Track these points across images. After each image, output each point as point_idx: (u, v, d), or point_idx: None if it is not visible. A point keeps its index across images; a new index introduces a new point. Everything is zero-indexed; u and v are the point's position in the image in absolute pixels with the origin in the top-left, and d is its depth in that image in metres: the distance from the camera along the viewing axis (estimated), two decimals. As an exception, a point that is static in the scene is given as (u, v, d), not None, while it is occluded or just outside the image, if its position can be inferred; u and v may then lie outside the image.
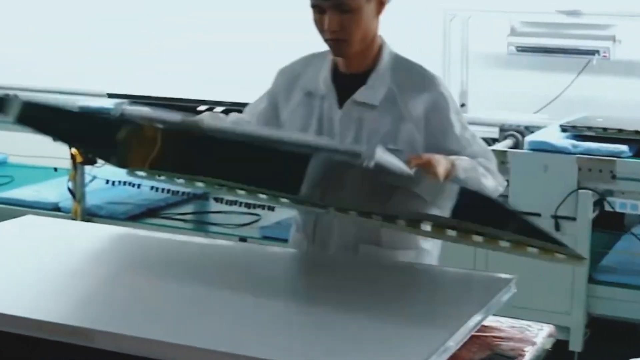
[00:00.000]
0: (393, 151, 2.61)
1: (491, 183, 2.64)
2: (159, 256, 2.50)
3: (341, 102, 2.72)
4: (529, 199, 4.41)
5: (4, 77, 6.39)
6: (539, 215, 4.42)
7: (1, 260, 2.46)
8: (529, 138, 4.60)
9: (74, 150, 5.23)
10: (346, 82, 2.73)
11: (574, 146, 4.45)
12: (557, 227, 4.36)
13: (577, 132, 4.63)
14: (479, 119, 5.34)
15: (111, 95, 5.54)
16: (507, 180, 4.43)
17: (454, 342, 1.96)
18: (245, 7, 6.03)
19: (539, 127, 5.01)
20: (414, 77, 2.70)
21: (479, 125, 5.23)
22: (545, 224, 4.37)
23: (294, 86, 2.81)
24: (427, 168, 2.38)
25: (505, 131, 4.99)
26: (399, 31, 6.10)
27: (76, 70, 6.76)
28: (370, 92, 2.68)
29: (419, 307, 2.12)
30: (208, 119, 2.83)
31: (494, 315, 2.22)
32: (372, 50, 2.70)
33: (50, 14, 7.27)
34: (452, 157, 2.53)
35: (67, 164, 5.40)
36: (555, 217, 4.36)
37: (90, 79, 6.29)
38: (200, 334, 1.91)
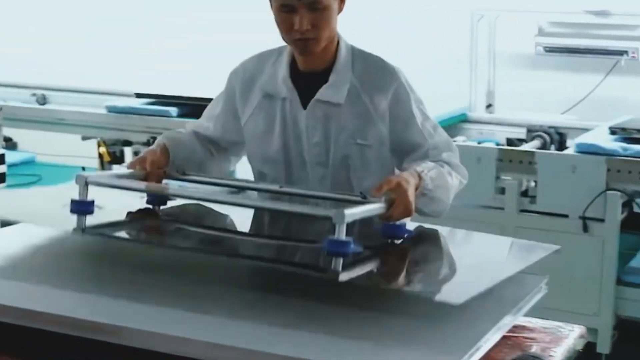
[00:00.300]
0: (363, 146, 2.67)
1: (455, 181, 2.66)
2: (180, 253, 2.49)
3: (304, 101, 2.70)
4: (556, 200, 4.40)
5: (34, 77, 6.43)
6: (566, 216, 4.40)
7: (22, 258, 2.46)
8: (577, 140, 4.54)
9: (101, 149, 5.27)
10: (307, 81, 2.70)
11: (624, 149, 4.39)
12: (586, 229, 4.34)
13: (626, 134, 4.58)
14: (505, 119, 5.35)
15: (139, 95, 5.56)
16: (535, 181, 4.47)
17: (486, 342, 1.96)
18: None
19: (566, 128, 5.00)
20: (374, 71, 2.69)
21: (505, 126, 5.26)
22: (573, 225, 4.36)
23: (251, 88, 2.78)
24: (398, 190, 2.36)
25: (532, 132, 4.98)
26: (427, 31, 6.15)
27: (104, 69, 6.80)
28: (333, 90, 2.66)
29: (450, 307, 2.11)
30: (166, 139, 2.77)
31: (525, 315, 2.21)
32: (332, 46, 2.68)
33: (78, 13, 7.31)
34: (419, 169, 2.52)
35: (94, 163, 5.44)
36: (584, 219, 4.34)
37: (118, 78, 6.32)
38: (227, 332, 1.91)
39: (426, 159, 2.64)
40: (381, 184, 2.37)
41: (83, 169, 5.89)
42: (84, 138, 5.56)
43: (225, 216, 2.68)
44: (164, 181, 2.65)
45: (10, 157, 5.55)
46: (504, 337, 2.09)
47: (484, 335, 1.95)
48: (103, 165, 5.26)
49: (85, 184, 2.34)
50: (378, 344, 1.90)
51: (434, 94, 5.59)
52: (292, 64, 2.72)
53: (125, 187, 2.45)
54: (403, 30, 6.13)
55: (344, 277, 2.04)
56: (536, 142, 4.90)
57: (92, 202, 2.35)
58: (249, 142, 2.81)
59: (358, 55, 2.72)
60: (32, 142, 6.40)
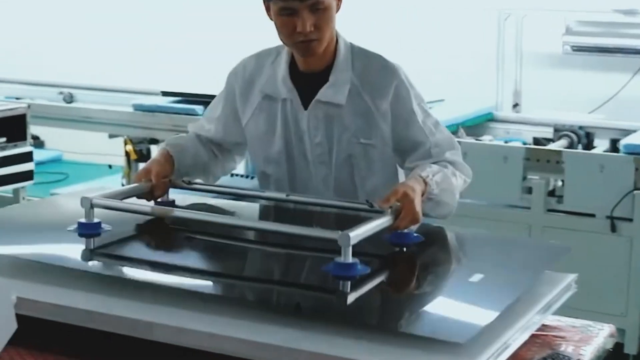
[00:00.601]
0: (366, 146, 2.66)
1: (460, 181, 2.63)
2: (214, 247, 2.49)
3: (305, 102, 2.68)
4: (584, 199, 4.37)
5: (61, 76, 6.46)
6: (593, 216, 4.38)
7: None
8: (624, 141, 4.49)
9: (128, 147, 5.29)
10: (307, 81, 2.68)
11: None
12: (613, 229, 4.31)
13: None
14: (532, 118, 5.33)
15: (165, 93, 5.58)
16: (562, 181, 4.44)
17: (515, 341, 1.94)
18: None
19: (594, 127, 4.97)
20: (374, 69, 2.67)
21: (532, 125, 5.23)
22: (601, 225, 4.34)
23: (250, 89, 2.76)
24: (404, 200, 2.35)
25: (559, 131, 4.96)
26: (454, 30, 6.14)
27: (131, 68, 6.82)
28: (334, 90, 2.64)
29: (477, 304, 2.10)
30: (170, 147, 2.77)
31: (554, 314, 2.19)
32: (331, 45, 2.64)
33: (105, 12, 7.34)
34: (424, 175, 2.50)
35: (121, 161, 5.45)
36: (611, 218, 4.31)
37: (145, 77, 6.34)
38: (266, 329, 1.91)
39: (429, 158, 2.62)
40: (388, 196, 2.36)
41: (110, 167, 5.96)
42: (111, 136, 5.58)
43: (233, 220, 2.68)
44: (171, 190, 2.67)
45: (38, 155, 5.59)
46: (533, 335, 2.07)
47: (512, 333, 1.94)
48: (130, 164, 5.28)
49: (90, 206, 2.35)
50: (402, 343, 1.87)
51: (461, 93, 5.64)
52: (292, 64, 2.70)
53: (131, 210, 2.44)
54: (430, 29, 6.12)
55: (352, 298, 2.04)
56: (563, 142, 4.87)
57: (99, 223, 2.36)
58: (250, 143, 2.80)
59: (357, 53, 2.69)
60: (59, 141, 6.45)
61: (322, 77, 2.65)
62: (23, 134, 4.61)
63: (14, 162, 4.55)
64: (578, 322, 2.24)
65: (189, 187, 2.72)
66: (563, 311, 2.22)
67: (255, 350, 1.83)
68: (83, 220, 2.36)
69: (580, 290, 2.29)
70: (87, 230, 2.35)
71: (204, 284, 2.13)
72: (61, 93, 6.24)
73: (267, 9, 2.59)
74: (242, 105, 2.77)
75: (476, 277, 2.13)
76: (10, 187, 4.68)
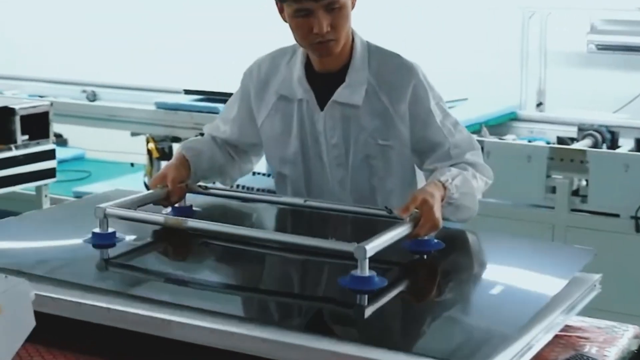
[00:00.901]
0: (384, 147, 2.61)
1: (480, 183, 2.58)
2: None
3: (320, 102, 2.63)
4: (608, 199, 4.33)
5: (85, 74, 6.48)
6: (617, 216, 4.34)
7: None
8: None
9: (150, 145, 5.29)
10: (323, 81, 2.63)
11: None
12: (638, 229, 4.27)
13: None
14: (556, 118, 5.29)
15: (188, 92, 5.58)
16: (586, 180, 4.41)
17: (538, 342, 1.92)
18: None
19: (618, 127, 4.93)
20: (392, 68, 2.62)
21: (556, 124, 5.19)
22: (625, 225, 4.29)
23: (266, 89, 2.72)
24: (424, 207, 2.30)
25: (583, 130, 4.92)
26: (477, 28, 6.11)
27: (154, 67, 6.83)
28: (350, 91, 2.59)
29: (500, 305, 2.07)
30: (185, 151, 2.74)
31: (578, 315, 2.17)
32: (347, 44, 2.59)
33: (129, 11, 7.36)
34: (443, 179, 2.45)
35: (143, 159, 5.46)
36: (636, 218, 4.26)
37: (167, 75, 6.34)
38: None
39: (448, 159, 2.58)
40: (407, 205, 2.30)
41: (132, 165, 5.96)
42: (133, 134, 5.59)
43: (249, 223, 2.68)
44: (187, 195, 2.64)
45: (61, 153, 5.61)
46: (557, 336, 2.04)
47: (535, 334, 1.91)
48: (152, 162, 5.28)
49: (104, 217, 2.32)
50: (424, 343, 1.87)
51: (484, 92, 5.61)
52: (307, 64, 2.65)
53: (145, 221, 2.41)
54: (454, 28, 6.10)
55: (369, 312, 2.00)
56: (587, 141, 4.83)
57: (114, 233, 2.33)
58: (266, 143, 2.76)
59: (374, 52, 2.64)
60: (82, 139, 6.46)
61: (338, 77, 2.61)
62: (46, 132, 4.61)
63: (37, 160, 4.55)
64: (602, 322, 2.21)
65: (205, 192, 2.70)
66: (587, 312, 2.19)
67: (274, 350, 1.82)
68: (97, 230, 2.33)
69: (604, 290, 2.25)
70: (101, 240, 2.32)
71: (220, 301, 2.05)
72: (84, 91, 6.26)
73: (281, 11, 2.55)
74: (258, 106, 2.74)
75: (498, 288, 2.09)
76: (32, 185, 4.69)
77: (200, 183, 2.74)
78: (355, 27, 2.61)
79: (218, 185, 2.86)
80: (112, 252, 2.31)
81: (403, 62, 2.63)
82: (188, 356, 1.91)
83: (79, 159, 6.44)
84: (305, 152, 2.69)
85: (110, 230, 2.33)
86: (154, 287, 2.14)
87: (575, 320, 2.17)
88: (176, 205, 2.62)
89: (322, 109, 2.63)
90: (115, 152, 6.13)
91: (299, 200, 2.64)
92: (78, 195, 5.36)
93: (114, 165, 6.18)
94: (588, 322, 2.20)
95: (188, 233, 2.39)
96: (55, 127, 5.01)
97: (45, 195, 4.72)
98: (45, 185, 4.72)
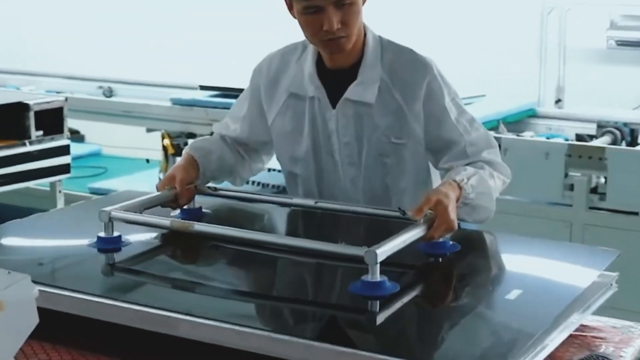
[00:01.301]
0: (398, 145, 2.55)
1: (498, 182, 2.51)
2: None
3: (332, 100, 2.58)
4: (628, 197, 4.28)
5: (102, 71, 6.48)
6: (636, 214, 4.28)
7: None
8: None
9: (165, 141, 5.27)
10: (334, 78, 2.57)
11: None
12: (657, 227, 4.23)
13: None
14: (575, 114, 5.24)
15: (203, 88, 5.55)
16: (605, 178, 4.36)
17: (552, 341, 1.88)
18: None
19: (638, 124, 4.87)
20: (405, 64, 2.55)
21: (575, 121, 5.14)
22: (645, 223, 4.25)
23: (276, 86, 2.66)
24: (438, 208, 2.23)
25: (603, 127, 4.87)
26: (496, 24, 6.06)
27: (170, 63, 6.82)
28: (363, 88, 2.54)
29: (515, 302, 2.04)
30: (194, 151, 2.69)
31: (593, 314, 2.12)
32: (358, 40, 2.53)
33: (144, 8, 7.36)
34: (458, 179, 2.38)
35: (158, 155, 5.44)
36: (655, 217, 4.22)
37: (183, 71, 6.34)
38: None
39: (465, 158, 2.52)
40: (421, 206, 2.24)
41: (147, 161, 5.95)
42: (149, 130, 5.57)
43: (259, 225, 2.64)
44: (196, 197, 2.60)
45: (78, 149, 5.60)
46: (571, 336, 2.00)
47: (549, 333, 1.88)
48: (167, 158, 5.26)
49: (109, 220, 2.28)
50: (440, 340, 1.85)
51: (503, 88, 5.57)
52: (318, 61, 2.60)
53: (150, 225, 2.36)
54: (472, 24, 6.05)
55: (380, 319, 1.94)
56: (606, 138, 4.78)
57: (119, 237, 2.29)
58: (276, 142, 2.71)
59: (387, 47, 2.58)
60: (99, 135, 6.46)
61: (350, 73, 2.55)
62: (60, 128, 4.59)
63: (51, 156, 4.53)
64: (619, 322, 2.17)
65: (215, 193, 2.65)
66: (603, 311, 2.15)
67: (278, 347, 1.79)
68: (102, 234, 2.29)
69: (621, 289, 2.21)
70: (106, 245, 2.28)
71: (228, 310, 2.00)
72: (101, 87, 6.25)
73: (290, 8, 2.50)
74: (268, 103, 2.68)
75: (516, 292, 2.03)
76: (46, 181, 4.67)
77: (210, 184, 2.70)
78: (368, 23, 2.56)
79: (228, 185, 2.81)
80: (117, 257, 2.26)
81: (417, 58, 2.57)
82: (194, 354, 1.89)
83: (96, 155, 6.43)
84: (316, 150, 2.64)
85: (116, 233, 2.29)
86: (159, 295, 2.10)
87: (590, 320, 2.13)
88: (185, 207, 2.58)
89: (333, 106, 2.58)
90: (131, 148, 6.12)
91: (309, 202, 2.59)
92: (93, 192, 5.36)
93: (129, 161, 6.17)
94: (604, 322, 2.16)
95: (196, 236, 2.34)
96: (73, 124, 4.99)
97: (60, 191, 4.69)
98: (60, 181, 4.70)
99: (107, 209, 2.29)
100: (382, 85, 2.54)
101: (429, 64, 2.55)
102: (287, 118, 2.66)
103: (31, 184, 4.58)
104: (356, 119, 2.57)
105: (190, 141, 5.22)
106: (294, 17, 2.50)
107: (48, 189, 4.80)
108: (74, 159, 4.79)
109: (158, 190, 2.56)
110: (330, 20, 2.41)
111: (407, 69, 2.55)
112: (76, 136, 6.27)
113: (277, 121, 2.68)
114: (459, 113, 2.57)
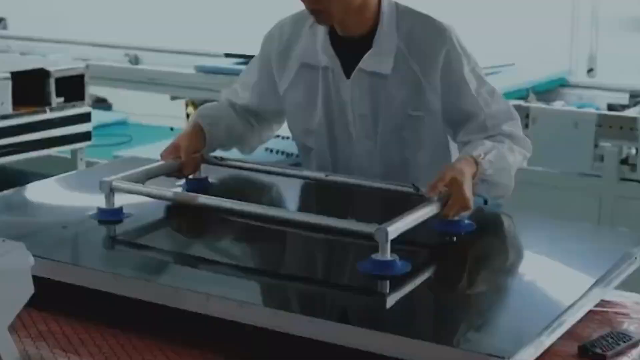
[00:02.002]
0: (415, 117, 2.46)
1: (518, 157, 2.41)
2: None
3: (346, 70, 2.47)
4: (659, 168, 4.18)
5: (128, 38, 6.44)
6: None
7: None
8: None
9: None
10: (348, 47, 2.46)
11: None
12: (689, 199, 4.12)
13: None
14: (607, 84, 5.14)
15: (228, 55, 5.49)
16: (636, 149, 4.25)
17: (570, 317, 1.80)
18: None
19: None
20: (423, 32, 2.44)
21: (607, 91, 5.04)
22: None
23: (288, 56, 2.56)
24: (453, 186, 2.15)
25: (635, 97, 4.76)
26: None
27: (195, 30, 6.77)
28: (378, 59, 2.43)
29: (533, 277, 1.96)
30: (202, 119, 2.58)
31: (616, 289, 2.03)
32: (370, 8, 2.42)
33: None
34: (475, 154, 2.28)
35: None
36: (688, 189, 4.12)
37: (208, 38, 6.28)
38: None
39: (484, 131, 2.41)
40: (435, 183, 2.15)
41: (171, 129, 5.90)
42: (173, 98, 5.52)
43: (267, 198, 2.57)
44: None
45: (104, 117, 5.56)
46: (592, 312, 1.93)
47: (566, 309, 1.80)
48: (191, 126, 5.21)
49: (110, 191, 2.20)
50: (459, 318, 1.80)
51: (533, 56, 5.46)
52: (331, 28, 2.48)
53: (153, 196, 2.27)
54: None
55: (391, 301, 1.87)
56: (639, 108, 4.67)
57: (120, 209, 2.21)
58: (288, 113, 2.62)
59: (403, 14, 2.46)
60: (126, 103, 6.43)
61: (365, 41, 2.44)
62: (81, 94, 4.54)
63: (72, 123, 4.49)
64: (643, 298, 2.08)
65: (221, 163, 2.56)
66: (626, 286, 2.06)
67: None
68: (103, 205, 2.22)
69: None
70: (107, 216, 2.21)
71: (233, 287, 1.92)
72: (127, 55, 6.20)
73: None
74: (279, 73, 2.58)
75: (532, 275, 1.96)
76: (68, 148, 4.63)
77: (216, 153, 2.60)
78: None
79: (236, 155, 2.72)
80: (118, 229, 2.20)
81: (435, 25, 2.46)
82: (198, 327, 1.83)
83: (122, 123, 6.38)
84: (330, 123, 2.54)
85: (118, 204, 2.21)
86: (161, 270, 2.05)
87: (613, 295, 2.04)
88: (190, 177, 2.50)
89: (348, 77, 2.48)
90: (156, 115, 6.08)
91: (319, 175, 2.50)
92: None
93: (155, 129, 6.10)
94: (627, 297, 2.08)
95: (200, 208, 2.26)
96: (100, 92, 4.93)
97: (81, 159, 4.65)
98: (81, 148, 4.66)
99: (108, 179, 2.22)
100: (398, 54, 2.44)
101: (448, 32, 2.44)
102: (300, 90, 2.56)
103: (52, 151, 4.55)
104: (371, 90, 2.47)
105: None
106: None
107: (69, 156, 4.77)
108: (100, 127, 4.75)
109: (162, 159, 2.47)
110: None
111: (425, 37, 2.45)
112: (103, 104, 6.24)
113: (289, 92, 2.58)
114: (479, 84, 2.47)
